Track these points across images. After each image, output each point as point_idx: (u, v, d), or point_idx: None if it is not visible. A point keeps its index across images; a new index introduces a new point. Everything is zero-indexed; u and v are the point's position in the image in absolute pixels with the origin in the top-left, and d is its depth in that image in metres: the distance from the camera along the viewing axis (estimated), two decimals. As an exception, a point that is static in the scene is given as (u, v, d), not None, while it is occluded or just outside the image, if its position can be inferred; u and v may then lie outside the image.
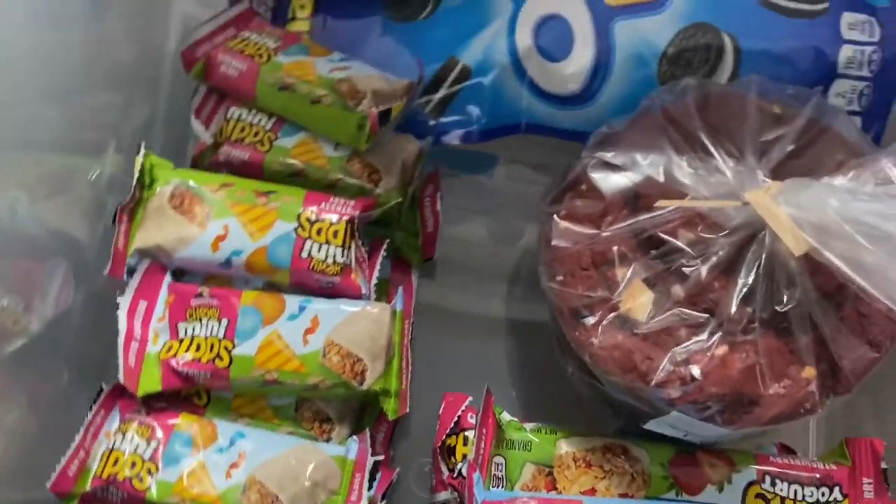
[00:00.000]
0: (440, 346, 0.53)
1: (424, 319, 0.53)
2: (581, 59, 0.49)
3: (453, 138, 0.53)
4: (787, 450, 0.48)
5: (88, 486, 0.42)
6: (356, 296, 0.46)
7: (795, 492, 0.44)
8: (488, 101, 0.52)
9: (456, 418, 0.47)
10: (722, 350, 0.38)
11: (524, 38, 0.50)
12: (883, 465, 0.44)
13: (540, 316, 0.52)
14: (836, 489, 0.44)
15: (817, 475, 0.44)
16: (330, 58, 0.50)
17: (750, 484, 0.44)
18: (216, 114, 0.51)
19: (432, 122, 0.52)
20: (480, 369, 0.53)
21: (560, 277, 0.42)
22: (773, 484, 0.44)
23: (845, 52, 0.48)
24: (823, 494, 0.44)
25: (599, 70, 0.50)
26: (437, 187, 0.54)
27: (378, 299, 0.50)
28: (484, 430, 0.44)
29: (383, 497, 0.44)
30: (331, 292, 0.46)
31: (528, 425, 0.46)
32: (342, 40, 0.53)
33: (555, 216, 0.42)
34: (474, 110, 0.52)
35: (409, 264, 0.52)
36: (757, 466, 0.44)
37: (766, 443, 0.48)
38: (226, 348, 0.44)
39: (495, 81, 0.51)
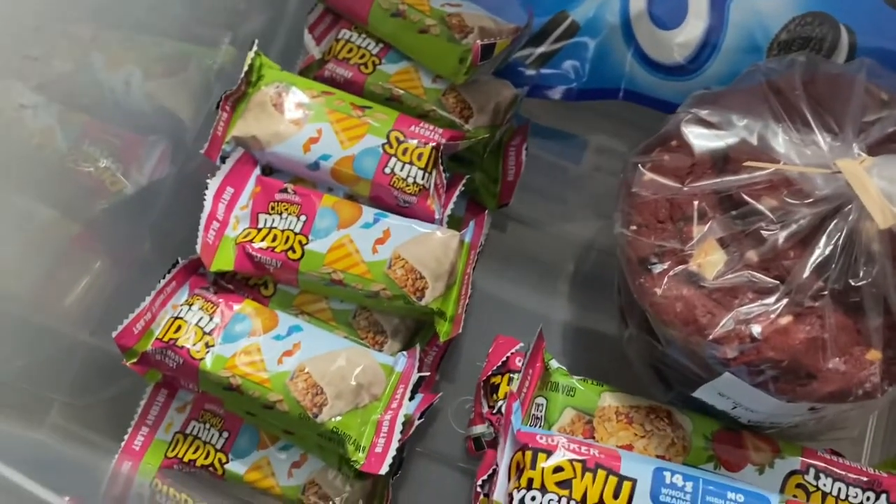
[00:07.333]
0: (500, 293, 0.54)
1: (490, 265, 0.54)
2: (692, 30, 0.49)
3: (554, 93, 0.53)
4: (836, 455, 0.47)
5: (149, 347, 0.44)
6: (429, 219, 0.47)
7: (839, 490, 0.42)
8: (591, 59, 0.52)
9: (504, 359, 0.47)
10: (786, 319, 0.37)
11: (638, 2, 0.50)
12: (937, 482, 0.42)
13: (604, 290, 0.52)
14: (884, 496, 0.42)
15: (864, 478, 0.42)
16: (445, -8, 0.52)
17: (792, 472, 0.42)
18: (329, 33, 0.53)
19: (532, 73, 0.53)
20: (536, 322, 0.53)
21: (634, 227, 0.41)
22: (817, 477, 0.42)
23: (967, 61, 0.46)
24: (868, 499, 0.42)
25: (708, 44, 0.49)
26: (525, 139, 0.54)
27: (449, 232, 0.51)
28: (530, 370, 0.44)
29: (421, 416, 0.45)
30: (406, 212, 0.48)
31: (576, 376, 0.46)
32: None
33: (639, 165, 0.42)
34: (576, 67, 0.53)
35: (483, 208, 0.53)
36: (802, 458, 0.43)
37: (816, 447, 0.47)
38: (300, 242, 0.45)
39: (602, 41, 0.52)
